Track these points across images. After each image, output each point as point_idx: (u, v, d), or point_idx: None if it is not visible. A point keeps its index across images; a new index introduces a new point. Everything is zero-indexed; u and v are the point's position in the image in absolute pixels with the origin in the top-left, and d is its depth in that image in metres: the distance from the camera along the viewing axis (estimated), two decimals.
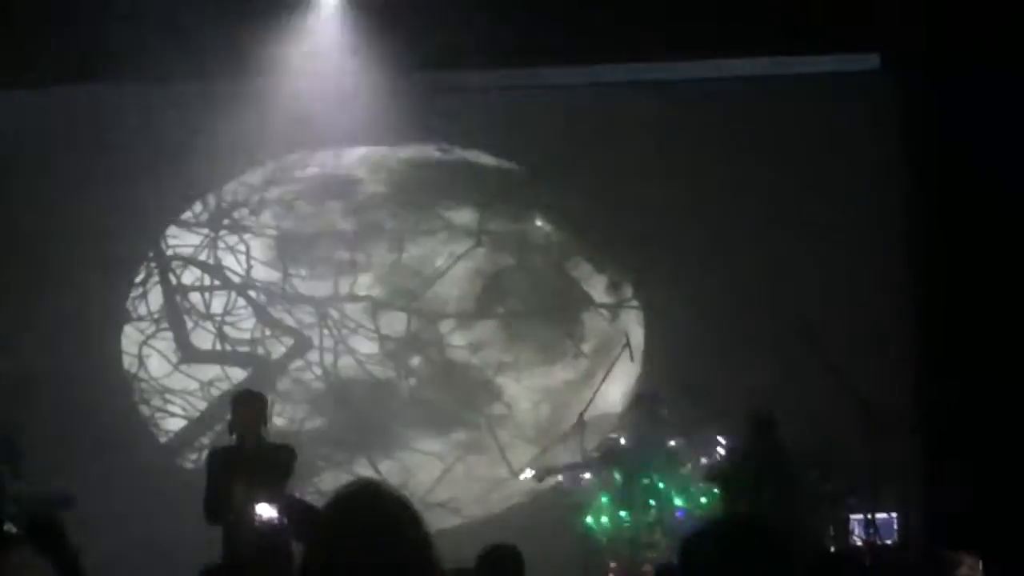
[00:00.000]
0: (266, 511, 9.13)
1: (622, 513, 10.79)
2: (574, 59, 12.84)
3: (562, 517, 11.40)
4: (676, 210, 12.91)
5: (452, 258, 13.59)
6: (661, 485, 10.78)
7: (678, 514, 10.66)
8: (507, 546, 7.61)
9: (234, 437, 9.68)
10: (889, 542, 11.26)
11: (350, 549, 3.15)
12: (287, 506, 8.27)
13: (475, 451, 13.38)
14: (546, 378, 13.44)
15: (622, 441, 11.13)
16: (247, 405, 9.71)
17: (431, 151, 13.70)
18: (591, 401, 11.68)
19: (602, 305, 13.51)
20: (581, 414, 11.46)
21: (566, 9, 12.15)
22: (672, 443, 10.93)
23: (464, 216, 13.68)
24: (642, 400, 11.35)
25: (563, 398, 13.29)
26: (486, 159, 13.61)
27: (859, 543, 11.12)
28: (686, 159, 12.89)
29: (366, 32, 12.20)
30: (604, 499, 10.89)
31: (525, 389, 13.39)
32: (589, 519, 10.87)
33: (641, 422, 11.08)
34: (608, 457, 11.07)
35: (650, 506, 10.74)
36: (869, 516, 11.09)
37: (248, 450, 9.53)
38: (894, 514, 11.43)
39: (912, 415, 12.06)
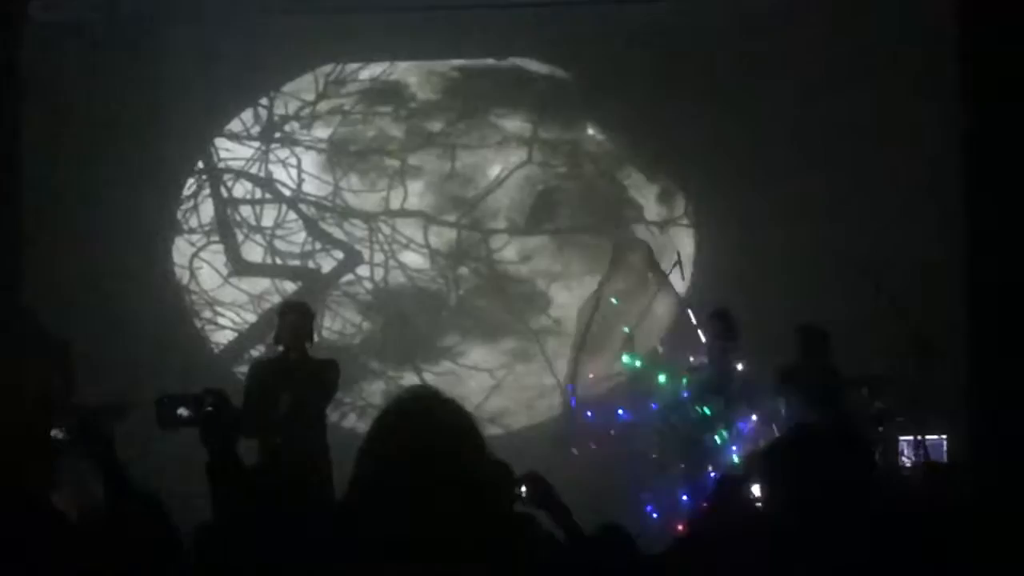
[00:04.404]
0: None
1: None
2: None
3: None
4: (727, 121, 12.78)
5: (506, 169, 13.58)
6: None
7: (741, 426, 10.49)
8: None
9: (280, 348, 9.59)
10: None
11: (406, 455, 3.13)
12: None
13: (523, 360, 13.41)
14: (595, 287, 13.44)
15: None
16: (294, 315, 9.59)
17: (484, 60, 13.65)
18: (642, 317, 11.62)
19: (653, 223, 13.48)
20: (630, 330, 11.42)
21: None
22: (740, 367, 10.72)
23: (516, 125, 13.65)
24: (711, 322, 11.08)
25: (612, 308, 13.27)
26: (539, 68, 13.56)
27: (908, 463, 11.05)
28: (738, 69, 12.75)
29: None
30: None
31: (575, 299, 13.39)
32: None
33: (712, 346, 10.83)
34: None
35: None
36: (919, 437, 11.00)
37: (293, 362, 9.38)
38: (943, 436, 11.34)
39: (962, 340, 11.90)
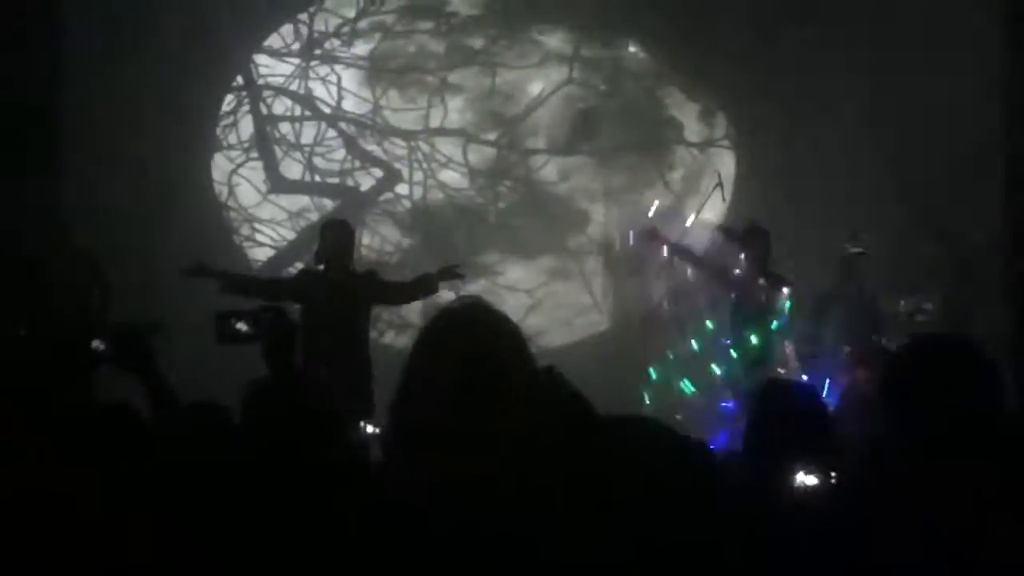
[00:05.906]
0: None
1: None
2: None
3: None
4: (770, 39, 12.64)
5: (546, 87, 13.52)
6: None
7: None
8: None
9: (321, 266, 9.57)
10: None
11: (456, 355, 3.14)
12: None
13: (561, 279, 13.40)
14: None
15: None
16: (336, 232, 9.58)
17: None
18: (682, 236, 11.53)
19: (693, 145, 13.43)
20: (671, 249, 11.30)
21: None
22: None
23: (557, 42, 13.57)
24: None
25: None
26: None
27: None
28: None
29: None
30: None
31: (613, 216, 13.36)
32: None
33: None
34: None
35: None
36: None
37: (334, 279, 9.40)
38: None
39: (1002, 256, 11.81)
